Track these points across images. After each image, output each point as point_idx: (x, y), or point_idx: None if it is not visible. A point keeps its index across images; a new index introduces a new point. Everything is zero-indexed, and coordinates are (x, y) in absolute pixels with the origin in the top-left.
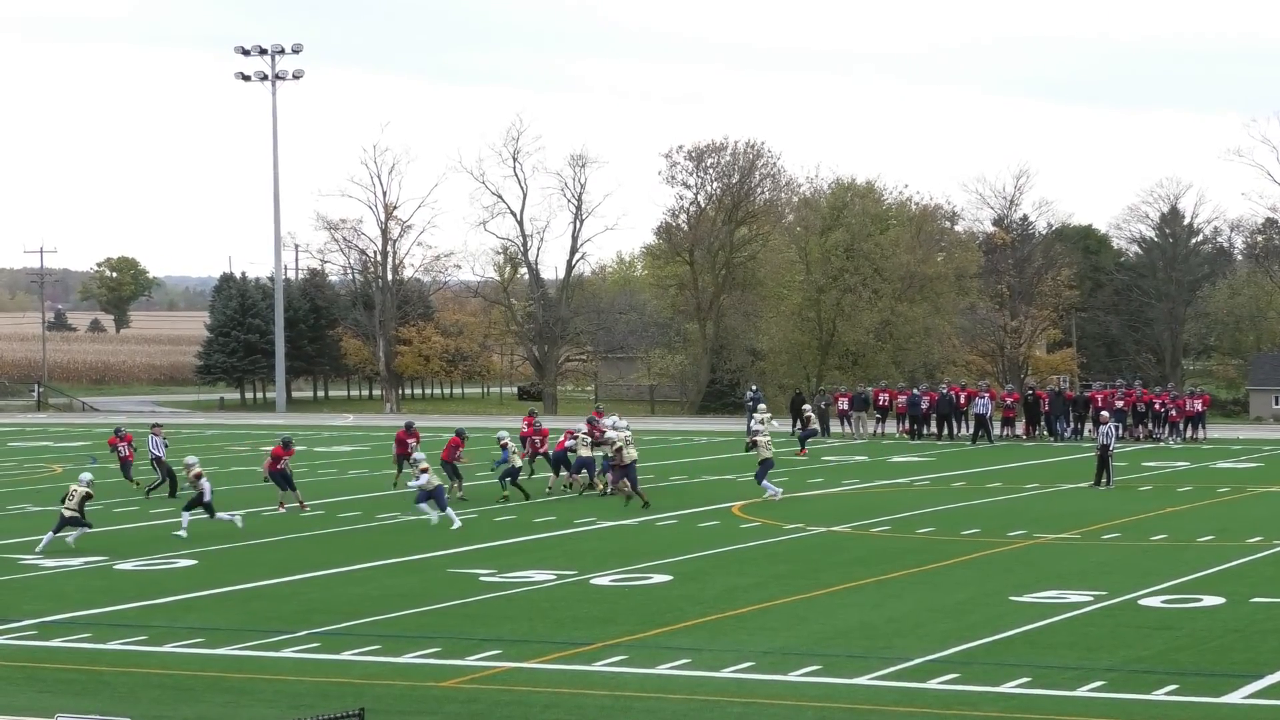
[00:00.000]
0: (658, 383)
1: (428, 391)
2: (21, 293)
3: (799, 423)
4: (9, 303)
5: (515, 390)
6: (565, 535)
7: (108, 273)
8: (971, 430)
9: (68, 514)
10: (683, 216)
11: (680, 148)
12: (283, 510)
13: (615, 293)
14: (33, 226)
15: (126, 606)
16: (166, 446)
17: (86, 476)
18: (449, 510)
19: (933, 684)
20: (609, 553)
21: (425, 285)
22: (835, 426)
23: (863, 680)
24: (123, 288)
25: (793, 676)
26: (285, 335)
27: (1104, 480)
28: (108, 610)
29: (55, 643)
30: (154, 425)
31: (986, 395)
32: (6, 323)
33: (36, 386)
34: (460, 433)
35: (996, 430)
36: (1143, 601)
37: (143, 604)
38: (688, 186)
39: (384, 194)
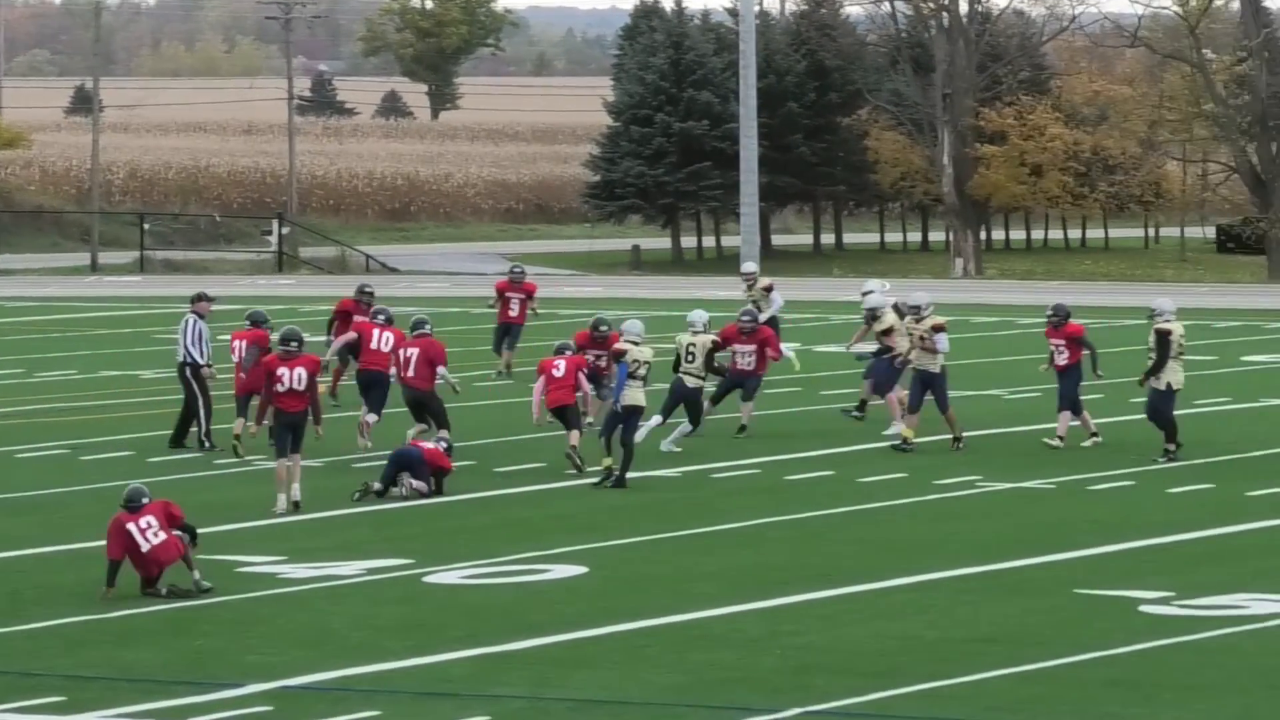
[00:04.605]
0: None
1: (1035, 235)
2: (250, 41)
3: None
4: (226, 61)
5: (1212, 232)
6: None
7: (413, 1)
8: None
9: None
10: None
11: None
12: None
13: None
14: None
15: None
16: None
17: None
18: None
19: None
20: None
21: (1031, 26)
22: None
23: None
24: (445, 33)
25: None
26: (762, 124)
27: None
28: None
29: None
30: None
31: None
32: (228, 97)
33: (276, 223)
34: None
35: None
36: None
37: None
38: None
39: None
